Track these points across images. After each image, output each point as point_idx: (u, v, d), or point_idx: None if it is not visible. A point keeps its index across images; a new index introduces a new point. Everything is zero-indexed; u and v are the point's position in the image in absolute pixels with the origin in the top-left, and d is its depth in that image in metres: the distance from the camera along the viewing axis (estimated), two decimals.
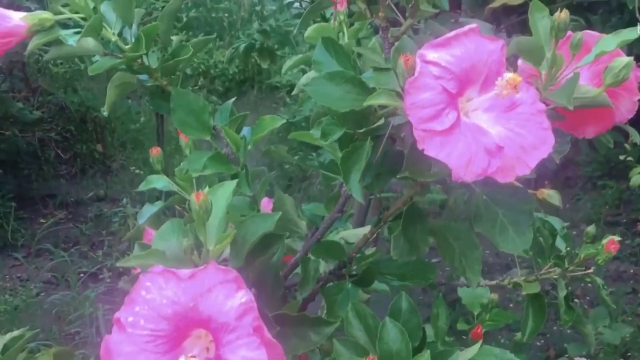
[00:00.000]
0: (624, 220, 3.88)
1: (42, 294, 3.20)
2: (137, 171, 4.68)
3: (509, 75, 0.66)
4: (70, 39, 0.78)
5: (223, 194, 0.76)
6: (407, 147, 0.78)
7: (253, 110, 5.72)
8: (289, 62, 1.11)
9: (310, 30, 1.07)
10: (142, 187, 1.13)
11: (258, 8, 5.15)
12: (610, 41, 0.78)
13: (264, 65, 2.88)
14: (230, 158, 0.89)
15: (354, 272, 0.92)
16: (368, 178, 0.78)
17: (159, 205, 1.08)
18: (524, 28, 1.94)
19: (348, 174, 0.77)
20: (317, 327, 0.76)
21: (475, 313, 1.42)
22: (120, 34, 0.85)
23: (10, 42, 0.84)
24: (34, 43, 0.82)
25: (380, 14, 0.76)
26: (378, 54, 0.80)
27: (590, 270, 0.96)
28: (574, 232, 3.81)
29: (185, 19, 3.59)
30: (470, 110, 0.70)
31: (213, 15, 6.03)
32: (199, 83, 4.46)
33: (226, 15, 5.91)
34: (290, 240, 1.01)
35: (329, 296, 0.88)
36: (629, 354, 2.80)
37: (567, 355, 2.59)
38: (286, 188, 4.46)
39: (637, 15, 1.53)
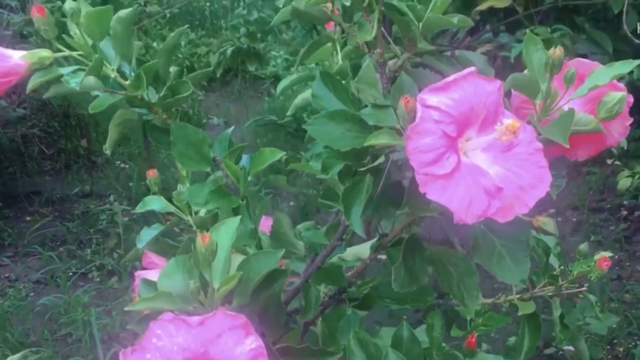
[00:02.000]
0: (608, 206, 3.91)
1: (32, 294, 3.19)
2: (122, 165, 4.67)
3: (508, 121, 0.68)
4: (72, 80, 0.79)
5: (226, 232, 0.77)
6: (407, 182, 0.80)
7: (237, 101, 5.73)
8: (284, 82, 1.12)
9: (303, 52, 1.08)
10: (138, 209, 1.14)
11: None
12: (603, 74, 0.79)
13: (251, 68, 2.88)
14: (231, 188, 0.90)
15: (354, 297, 0.93)
16: (369, 211, 0.80)
17: (157, 228, 1.09)
18: (511, 29, 1.96)
19: (349, 209, 0.79)
20: (320, 359, 0.78)
21: (468, 318, 1.45)
22: (118, 69, 0.85)
23: (11, 80, 0.84)
24: (34, 82, 0.83)
25: (377, 50, 0.77)
26: (375, 88, 0.81)
27: (584, 288, 0.98)
28: (559, 219, 3.85)
29: (169, 15, 3.60)
30: (469, 149, 0.72)
31: (194, 4, 6.00)
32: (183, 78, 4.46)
33: (207, 4, 5.89)
34: (289, 261, 1.03)
35: (330, 323, 0.90)
36: (615, 341, 2.84)
37: (554, 344, 2.62)
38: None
39: (625, 26, 1.55)
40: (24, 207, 3.97)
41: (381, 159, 0.76)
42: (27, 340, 2.77)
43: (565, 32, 1.72)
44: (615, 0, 1.66)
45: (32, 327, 2.85)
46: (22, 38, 3.78)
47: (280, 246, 0.99)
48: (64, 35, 0.82)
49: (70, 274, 3.31)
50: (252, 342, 0.65)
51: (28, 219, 3.88)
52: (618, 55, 1.82)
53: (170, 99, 0.84)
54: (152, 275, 1.06)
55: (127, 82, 0.85)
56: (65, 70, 0.84)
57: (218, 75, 2.61)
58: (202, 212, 1.10)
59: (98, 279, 3.22)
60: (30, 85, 0.83)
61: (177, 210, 1.10)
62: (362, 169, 0.76)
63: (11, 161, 4.27)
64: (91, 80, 0.82)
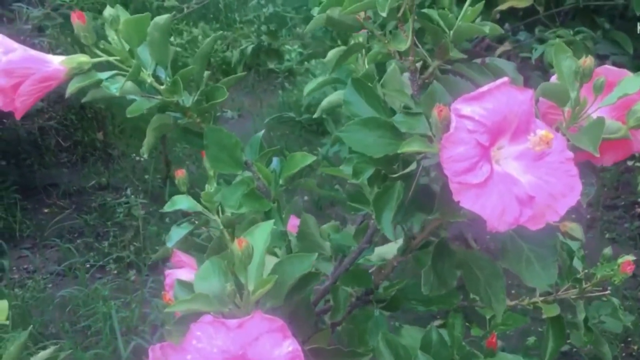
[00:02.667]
0: (623, 203, 3.91)
1: (50, 285, 3.23)
2: (138, 158, 4.70)
3: (541, 132, 0.69)
4: (112, 86, 0.80)
5: (261, 236, 0.79)
6: (436, 187, 0.81)
7: (251, 93, 5.75)
8: (310, 85, 1.13)
9: (330, 55, 1.09)
10: (167, 208, 1.15)
11: None
12: (632, 82, 0.80)
13: (271, 65, 2.90)
14: (262, 191, 0.92)
15: (381, 298, 0.95)
16: (399, 216, 0.82)
17: (186, 228, 1.11)
18: (530, 28, 1.96)
19: (380, 214, 0.80)
20: None
21: (488, 317, 1.46)
22: (154, 73, 0.87)
23: (51, 85, 0.86)
24: (73, 86, 0.85)
25: (409, 58, 0.78)
26: (406, 95, 0.83)
27: (608, 292, 0.99)
28: (573, 216, 3.85)
29: (186, 10, 3.63)
30: (501, 158, 0.73)
31: None
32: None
33: None
34: (315, 261, 1.04)
35: (359, 324, 0.92)
36: (629, 339, 2.85)
37: (568, 342, 2.64)
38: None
39: None
40: (42, 199, 4.01)
41: (413, 166, 0.78)
42: (47, 332, 2.80)
43: (587, 34, 1.72)
44: (637, 2, 1.66)
45: (51, 319, 2.88)
46: (40, 31, 3.81)
47: (308, 246, 1.01)
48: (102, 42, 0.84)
49: (88, 266, 3.34)
50: (289, 345, 0.67)
51: (46, 211, 3.91)
52: (638, 55, 1.83)
53: (205, 104, 0.86)
54: (182, 274, 1.09)
55: (163, 87, 0.87)
56: (103, 75, 0.86)
57: (238, 73, 2.65)
58: (229, 211, 1.13)
59: (116, 272, 3.25)
60: (70, 90, 0.85)
61: (205, 209, 1.12)
62: (394, 176, 0.77)
63: (29, 153, 4.31)
64: (129, 85, 0.84)
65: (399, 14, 0.75)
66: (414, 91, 0.83)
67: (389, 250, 1.01)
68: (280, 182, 0.91)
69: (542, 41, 1.74)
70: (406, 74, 0.90)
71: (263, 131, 0.95)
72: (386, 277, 0.96)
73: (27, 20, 3.38)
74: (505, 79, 0.72)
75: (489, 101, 0.71)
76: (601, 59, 1.77)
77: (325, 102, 1.11)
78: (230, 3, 6.37)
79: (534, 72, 1.76)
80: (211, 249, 1.10)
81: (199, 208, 1.12)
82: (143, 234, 3.48)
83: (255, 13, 3.74)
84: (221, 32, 4.70)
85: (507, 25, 2.06)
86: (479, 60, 0.84)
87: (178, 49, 4.43)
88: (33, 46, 3.46)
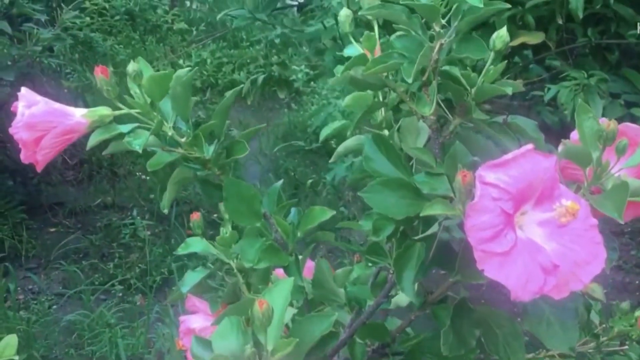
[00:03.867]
0: (629, 229, 3.90)
1: (54, 307, 3.22)
2: (144, 177, 4.70)
3: (567, 202, 0.69)
4: (135, 142, 0.81)
5: (280, 295, 0.79)
6: (459, 247, 0.81)
7: (257, 112, 5.75)
8: (326, 130, 1.13)
9: (348, 99, 1.09)
10: (181, 251, 1.15)
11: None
12: None
13: (282, 96, 2.92)
14: (279, 242, 0.92)
15: (397, 351, 0.95)
16: (419, 275, 0.81)
17: (201, 272, 1.10)
18: (541, 62, 1.96)
19: (401, 273, 0.80)
20: None
21: None
22: (174, 125, 0.87)
23: (72, 137, 0.87)
24: (95, 140, 0.85)
25: (431, 116, 0.78)
26: (427, 153, 0.83)
27: (626, 347, 0.99)
28: None
29: (195, 32, 3.66)
30: (525, 223, 0.73)
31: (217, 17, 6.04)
32: (207, 95, 4.50)
33: (229, 18, 5.93)
34: (329, 308, 1.04)
35: None
36: None
37: None
38: (292, 196, 4.49)
39: None
40: (48, 218, 4.01)
41: (435, 228, 0.77)
42: (51, 355, 2.80)
43: (602, 77, 1.73)
44: None
45: (55, 342, 2.87)
46: (50, 52, 3.82)
47: (323, 294, 1.01)
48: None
49: (93, 288, 3.34)
50: None
51: (52, 230, 3.92)
52: None
53: (225, 158, 0.86)
54: (196, 320, 1.09)
55: (184, 140, 0.87)
56: (124, 127, 0.86)
57: (249, 103, 2.67)
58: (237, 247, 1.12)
59: (121, 294, 3.24)
60: (91, 143, 0.86)
61: (219, 253, 1.12)
62: (416, 238, 0.77)
63: (35, 172, 4.32)
64: (151, 139, 0.84)
65: (424, 77, 0.75)
66: (436, 149, 0.83)
67: (404, 298, 1.01)
68: (299, 234, 0.90)
69: (554, 82, 1.75)
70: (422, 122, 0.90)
71: (281, 181, 0.95)
72: (403, 330, 0.95)
73: (37, 41, 3.39)
74: (530, 146, 0.72)
75: (513, 168, 0.70)
76: (613, 97, 1.77)
77: (341, 148, 1.10)
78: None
79: (547, 109, 1.76)
80: (226, 295, 1.09)
81: (214, 251, 1.12)
82: (149, 256, 3.48)
83: (263, 34, 3.75)
84: (224, 45, 4.71)
85: (516, 58, 2.07)
86: (500, 119, 0.83)
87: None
88: (42, 67, 3.47)
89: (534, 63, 1.97)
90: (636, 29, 1.72)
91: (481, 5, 0.69)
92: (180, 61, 4.40)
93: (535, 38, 1.65)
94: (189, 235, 1.18)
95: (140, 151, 0.81)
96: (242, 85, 0.92)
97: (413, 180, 0.80)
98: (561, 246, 0.71)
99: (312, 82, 5.29)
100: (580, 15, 1.64)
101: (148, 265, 3.36)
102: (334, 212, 0.89)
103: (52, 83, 3.97)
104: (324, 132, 1.12)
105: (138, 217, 3.77)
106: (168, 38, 4.15)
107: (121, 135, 0.85)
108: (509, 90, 0.80)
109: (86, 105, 4.54)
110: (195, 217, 1.13)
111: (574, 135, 0.93)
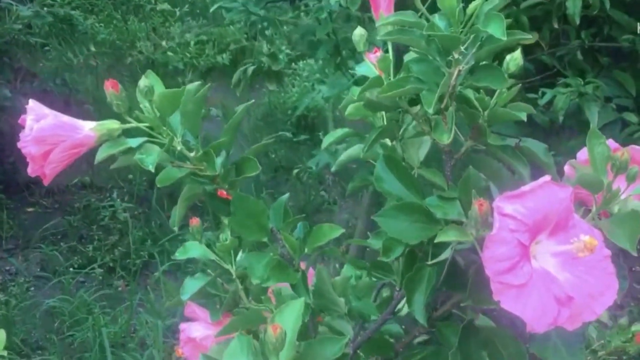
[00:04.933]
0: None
1: (32, 289, 3.20)
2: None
3: (586, 238, 0.69)
4: (147, 160, 0.80)
5: (291, 316, 0.79)
6: (469, 270, 0.82)
7: (241, 96, 5.71)
8: (329, 138, 1.12)
9: (351, 108, 1.09)
10: (180, 256, 1.14)
11: None
12: None
13: (271, 88, 2.90)
14: (286, 259, 0.92)
15: None
16: (429, 296, 0.82)
17: (201, 279, 1.10)
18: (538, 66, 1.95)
19: (412, 296, 0.81)
20: None
21: None
22: (183, 140, 0.86)
23: (81, 151, 0.85)
24: (103, 154, 0.84)
25: (446, 141, 0.78)
26: (439, 176, 0.83)
27: None
28: None
29: (178, 14, 3.61)
30: (539, 253, 0.73)
31: None
32: (189, 77, 4.46)
33: None
34: (329, 318, 1.04)
35: None
36: None
37: None
38: (271, 179, 4.48)
39: None
40: (25, 197, 3.96)
41: (447, 253, 0.78)
42: (30, 340, 2.78)
43: (598, 84, 1.74)
44: None
45: (33, 326, 2.85)
46: (29, 28, 3.75)
47: (323, 304, 1.01)
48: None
49: (72, 270, 3.31)
50: None
51: (29, 210, 3.88)
52: None
53: (236, 176, 0.86)
54: (197, 329, 1.08)
55: (193, 155, 0.86)
56: (132, 141, 0.85)
57: (238, 95, 2.64)
58: (239, 256, 1.12)
59: (101, 277, 3.22)
60: (99, 157, 0.85)
61: (218, 259, 1.11)
62: (429, 263, 0.77)
63: (12, 149, 4.26)
64: (162, 155, 0.83)
65: (442, 105, 0.75)
66: (447, 171, 0.83)
67: (404, 307, 1.01)
68: (306, 251, 0.90)
69: (551, 86, 1.75)
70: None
71: (287, 195, 0.95)
72: (406, 345, 0.96)
73: (16, 19, 3.33)
74: (547, 177, 0.72)
75: (531, 200, 0.71)
76: (605, 100, 1.78)
77: (343, 156, 1.10)
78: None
79: (542, 114, 1.76)
80: (227, 304, 1.09)
81: (213, 256, 1.11)
82: (130, 240, 3.46)
83: (240, 15, 3.72)
84: (205, 22, 4.65)
85: None
86: (512, 142, 0.84)
87: (170, 53, 4.40)
88: (21, 44, 3.40)
89: (526, 62, 1.96)
90: (630, 33, 1.73)
91: (504, 38, 0.69)
92: (163, 43, 4.35)
93: (528, 40, 1.63)
94: (169, 218, 1.17)
95: (153, 170, 0.80)
96: (250, 102, 0.91)
97: (425, 203, 0.80)
98: (575, 277, 0.72)
99: (293, 64, 5.27)
100: (577, 20, 1.65)
101: (130, 248, 3.34)
102: (343, 230, 0.88)
103: (31, 60, 3.91)
104: (327, 140, 1.12)
105: (118, 199, 3.74)
106: (150, 19, 4.09)
107: (130, 150, 0.84)
108: (523, 116, 0.80)
109: (65, 85, 4.49)
110: (195, 222, 1.12)
111: (581, 155, 0.94)
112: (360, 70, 0.87)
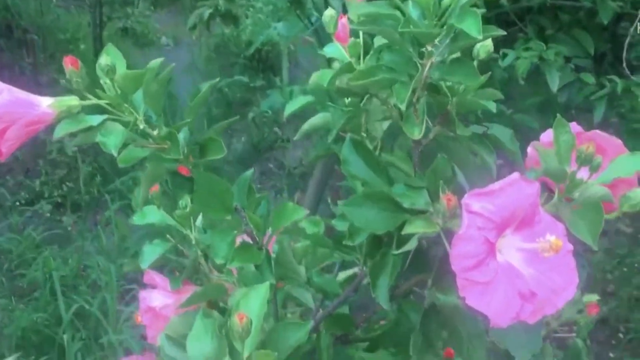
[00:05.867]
0: None
1: None
2: (70, 87, 4.53)
3: (552, 238, 0.70)
4: (110, 143, 0.77)
5: (256, 301, 0.79)
6: (436, 262, 0.83)
7: (187, 20, 5.58)
8: (291, 107, 1.11)
9: (314, 77, 1.07)
10: (137, 221, 1.13)
11: None
12: (628, 164, 0.82)
13: (227, 30, 2.83)
14: (249, 235, 0.91)
15: (360, 339, 0.97)
16: (393, 281, 0.82)
17: (160, 245, 1.09)
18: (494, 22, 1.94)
19: (376, 281, 0.81)
20: None
21: None
22: (145, 117, 0.84)
23: (37, 128, 0.83)
24: (62, 131, 0.82)
25: (417, 137, 0.77)
26: (407, 163, 0.83)
27: (573, 334, 1.03)
28: None
29: None
30: (504, 247, 0.74)
31: None
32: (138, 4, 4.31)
33: None
34: (289, 286, 1.05)
35: None
36: None
37: None
38: (224, 114, 4.43)
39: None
40: None
41: (413, 243, 0.78)
42: None
43: (560, 51, 1.73)
44: (604, 11, 1.67)
45: None
46: None
47: (284, 273, 1.02)
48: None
49: (19, 205, 3.26)
50: None
51: None
52: (599, 58, 1.86)
53: (199, 158, 0.84)
54: (157, 298, 1.08)
55: (156, 133, 0.84)
56: (93, 119, 0.82)
57: (194, 38, 2.58)
58: (199, 221, 1.11)
59: (49, 214, 3.18)
60: (57, 135, 0.82)
61: (177, 224, 1.10)
62: (395, 253, 0.78)
63: None
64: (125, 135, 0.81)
65: (414, 99, 0.74)
66: (415, 157, 0.83)
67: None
68: (270, 231, 0.90)
69: (512, 48, 1.74)
70: None
71: (252, 170, 0.93)
72: (366, 320, 0.97)
73: None
74: (516, 175, 0.72)
75: (499, 197, 0.71)
76: (565, 61, 1.79)
77: (307, 125, 1.09)
78: None
79: (504, 76, 1.76)
80: (187, 271, 1.09)
81: (172, 222, 1.10)
82: (77, 174, 3.40)
83: None
84: None
85: None
86: (479, 129, 0.83)
87: None
88: None
89: (488, 17, 1.94)
90: None
91: (480, 37, 0.68)
92: None
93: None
94: None
95: (116, 154, 0.77)
96: (216, 80, 0.89)
97: (391, 191, 0.80)
98: (539, 273, 0.73)
99: None
100: None
101: (79, 183, 3.29)
102: (307, 212, 0.88)
103: None
104: (289, 109, 1.10)
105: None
106: None
107: (90, 128, 0.82)
108: (492, 107, 0.80)
109: (7, 10, 4.32)
110: (155, 189, 1.11)
111: (544, 137, 0.94)
112: (328, 51, 0.85)
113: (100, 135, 0.78)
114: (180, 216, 1.09)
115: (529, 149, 0.93)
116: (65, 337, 2.16)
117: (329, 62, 0.98)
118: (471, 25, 0.67)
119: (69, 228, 2.97)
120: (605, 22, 1.68)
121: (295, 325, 0.79)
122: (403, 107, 0.70)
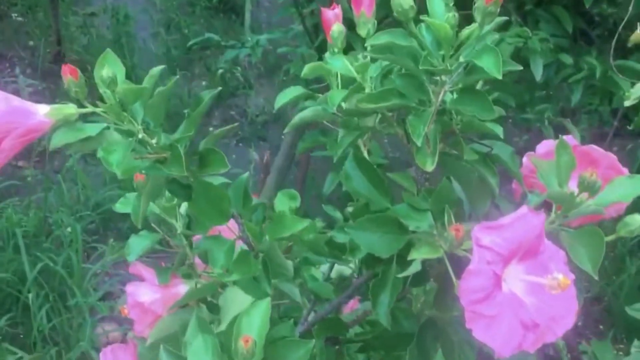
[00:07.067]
0: None
1: None
2: (20, 19, 4.41)
3: (560, 277, 0.71)
4: (111, 158, 0.75)
5: (258, 318, 0.79)
6: (437, 283, 0.84)
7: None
8: (282, 98, 1.09)
9: (307, 68, 1.05)
10: (119, 208, 1.11)
11: None
12: (628, 188, 0.83)
13: None
14: (245, 241, 0.91)
15: (351, 341, 0.98)
16: (392, 300, 0.83)
17: (147, 237, 1.07)
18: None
19: (377, 298, 0.82)
20: None
21: None
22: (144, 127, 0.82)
23: (34, 137, 0.80)
24: (58, 141, 0.80)
25: (429, 169, 0.77)
26: (409, 181, 0.83)
27: None
28: None
29: None
30: (508, 276, 0.75)
31: None
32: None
33: None
34: (277, 281, 1.05)
35: None
36: None
37: None
38: (187, 63, 4.34)
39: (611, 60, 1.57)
40: None
41: (417, 267, 0.79)
42: None
43: (544, 37, 1.72)
44: None
45: None
46: None
47: (274, 269, 1.02)
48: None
49: None
50: None
51: None
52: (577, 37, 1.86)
53: (199, 171, 0.83)
54: (144, 293, 1.06)
55: (154, 142, 0.82)
56: (90, 129, 0.80)
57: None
58: (183, 208, 1.10)
59: (30, 178, 3.08)
60: (54, 144, 0.80)
61: (162, 212, 1.09)
62: (398, 276, 0.78)
63: None
64: (118, 138, 0.80)
65: (427, 129, 0.73)
66: (418, 175, 0.83)
67: (347, 269, 1.03)
68: (267, 239, 0.89)
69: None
70: None
71: (247, 174, 0.92)
72: (358, 322, 0.98)
73: None
74: (524, 209, 0.73)
75: (508, 231, 0.72)
76: (544, 42, 1.78)
77: (297, 119, 1.07)
78: None
79: None
80: (177, 263, 1.08)
81: (157, 210, 1.09)
82: None
83: None
84: None
85: None
86: (483, 149, 0.84)
87: None
88: None
89: None
90: None
91: (499, 77, 0.67)
92: None
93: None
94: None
95: (119, 174, 0.75)
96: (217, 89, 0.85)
97: (394, 212, 0.80)
98: (541, 302, 0.74)
99: None
100: None
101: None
102: (307, 223, 0.87)
103: None
104: (280, 100, 1.08)
105: (21, 75, 3.55)
106: None
107: (88, 138, 0.80)
108: (499, 132, 0.80)
109: None
110: (140, 177, 1.09)
111: (540, 148, 0.95)
112: (334, 64, 0.83)
113: (101, 151, 0.76)
114: (167, 209, 1.07)
115: (525, 159, 0.94)
116: (30, 296, 2.13)
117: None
118: (491, 65, 0.67)
119: (29, 179, 2.90)
120: (587, 6, 1.68)
121: (298, 344, 0.80)
122: (419, 142, 0.70)
